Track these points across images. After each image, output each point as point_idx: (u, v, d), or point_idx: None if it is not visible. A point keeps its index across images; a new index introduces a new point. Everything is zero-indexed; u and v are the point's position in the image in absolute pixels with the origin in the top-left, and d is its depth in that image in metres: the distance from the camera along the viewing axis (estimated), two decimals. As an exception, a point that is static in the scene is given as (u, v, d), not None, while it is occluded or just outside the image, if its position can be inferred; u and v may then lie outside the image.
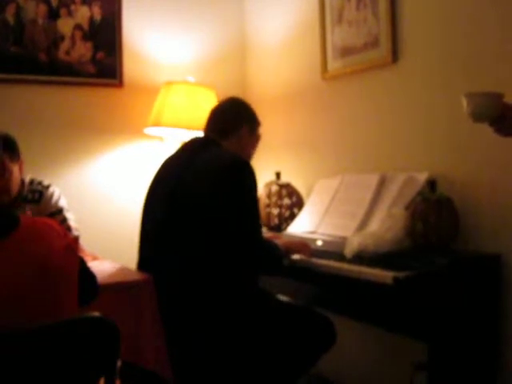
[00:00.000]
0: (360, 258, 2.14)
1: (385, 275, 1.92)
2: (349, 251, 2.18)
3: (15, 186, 2.43)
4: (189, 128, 3.21)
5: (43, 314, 1.42)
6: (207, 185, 2.11)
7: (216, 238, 2.06)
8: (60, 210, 2.58)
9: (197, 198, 2.10)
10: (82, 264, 1.64)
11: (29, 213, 2.37)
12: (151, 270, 2.10)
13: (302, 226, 2.70)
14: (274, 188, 2.95)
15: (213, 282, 2.06)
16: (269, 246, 2.24)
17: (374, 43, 2.71)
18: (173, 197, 2.15)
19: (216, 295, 2.06)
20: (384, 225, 2.20)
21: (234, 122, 2.34)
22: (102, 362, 1.48)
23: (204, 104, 3.25)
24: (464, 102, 1.70)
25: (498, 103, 1.68)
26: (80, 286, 1.56)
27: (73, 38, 3.35)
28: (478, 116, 1.70)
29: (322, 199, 2.71)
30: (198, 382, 2.12)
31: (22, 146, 2.46)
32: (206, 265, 2.05)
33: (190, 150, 2.29)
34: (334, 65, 2.99)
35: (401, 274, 1.88)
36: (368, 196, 2.45)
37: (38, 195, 2.57)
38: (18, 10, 3.22)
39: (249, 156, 2.40)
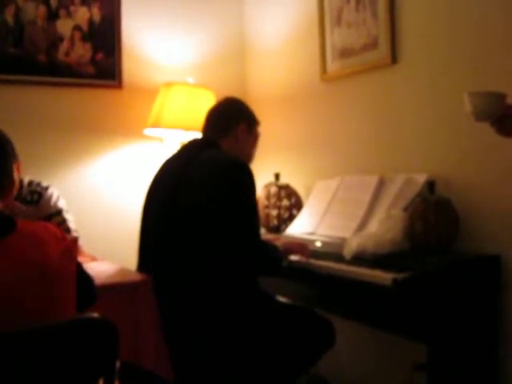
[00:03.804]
0: (359, 259, 2.14)
1: (384, 277, 1.93)
2: (348, 252, 2.18)
3: (16, 188, 2.43)
4: (188, 129, 3.21)
5: (40, 317, 1.41)
6: (206, 187, 2.11)
7: (215, 239, 2.06)
8: (59, 212, 2.58)
9: (195, 200, 2.10)
10: (80, 269, 1.63)
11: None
12: (151, 271, 2.10)
13: (301, 227, 2.71)
14: (273, 189, 2.95)
15: (212, 283, 2.06)
16: (267, 247, 2.23)
17: (373, 44, 2.71)
18: (172, 199, 2.15)
19: (215, 296, 2.06)
20: (383, 226, 2.20)
21: (230, 121, 2.34)
22: (101, 362, 1.48)
23: (204, 105, 3.24)
24: (466, 101, 1.70)
25: (500, 103, 1.68)
26: (77, 290, 1.56)
27: (72, 38, 3.35)
28: (479, 115, 1.70)
29: (321, 200, 2.71)
30: (198, 383, 2.12)
31: (21, 148, 2.44)
32: (206, 266, 2.05)
33: (188, 152, 2.29)
34: (333, 66, 2.99)
35: (400, 276, 1.88)
36: (367, 197, 2.45)
37: (36, 196, 2.56)
38: (18, 11, 3.22)
39: (249, 155, 2.40)
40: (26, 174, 2.58)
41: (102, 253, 2.61)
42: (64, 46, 3.34)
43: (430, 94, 2.44)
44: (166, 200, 2.17)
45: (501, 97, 1.69)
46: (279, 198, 2.93)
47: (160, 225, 2.18)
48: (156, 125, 3.25)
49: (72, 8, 3.35)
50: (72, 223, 2.60)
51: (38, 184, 2.60)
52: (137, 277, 2.09)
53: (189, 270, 2.07)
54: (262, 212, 2.88)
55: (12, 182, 1.73)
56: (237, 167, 2.16)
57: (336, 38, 2.95)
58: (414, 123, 2.52)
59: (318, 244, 2.44)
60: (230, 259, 2.08)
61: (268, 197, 2.94)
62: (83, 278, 1.66)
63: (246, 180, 2.14)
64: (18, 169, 2.44)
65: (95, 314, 1.45)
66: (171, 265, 2.10)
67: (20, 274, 1.41)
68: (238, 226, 2.09)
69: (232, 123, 2.34)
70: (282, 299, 2.33)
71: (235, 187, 2.12)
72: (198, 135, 2.52)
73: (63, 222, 2.56)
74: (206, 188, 2.11)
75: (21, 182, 2.53)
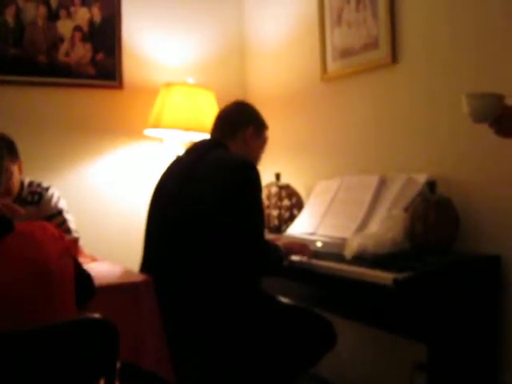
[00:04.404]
0: (360, 259, 2.14)
1: (385, 276, 1.92)
2: (349, 252, 2.18)
3: (15, 188, 2.44)
4: (188, 129, 3.21)
5: (38, 317, 1.41)
6: (212, 186, 2.11)
7: (219, 238, 2.06)
8: (60, 212, 2.58)
9: (201, 198, 2.10)
10: (77, 266, 1.63)
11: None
12: (155, 270, 2.10)
13: (301, 228, 2.71)
14: (274, 189, 2.95)
15: (215, 283, 2.06)
16: (270, 246, 2.24)
17: (373, 44, 2.71)
18: (178, 198, 2.15)
19: (218, 296, 2.06)
20: (384, 226, 2.20)
21: (239, 123, 2.36)
22: (101, 362, 1.48)
23: (204, 105, 3.25)
24: (464, 103, 1.71)
25: (498, 104, 1.68)
26: (76, 287, 1.56)
27: (72, 39, 3.35)
28: (477, 117, 1.70)
29: (321, 200, 2.71)
30: (199, 383, 2.12)
31: (22, 148, 2.46)
32: (209, 265, 2.05)
33: (196, 152, 2.30)
34: (333, 66, 2.99)
35: (400, 276, 1.88)
36: (368, 197, 2.45)
37: (37, 197, 2.57)
38: (18, 12, 3.23)
39: (256, 159, 2.41)
40: (27, 174, 2.59)
41: (102, 253, 2.61)
42: (64, 47, 3.34)
43: (431, 93, 2.44)
44: (172, 200, 2.17)
45: (498, 98, 1.69)
46: (280, 198, 2.93)
47: (165, 225, 2.18)
48: (156, 125, 3.25)
49: (72, 8, 3.35)
50: (73, 223, 2.61)
51: (39, 185, 2.61)
52: (138, 277, 2.09)
53: (191, 270, 2.07)
54: (262, 212, 2.88)
55: (3, 180, 1.71)
56: (244, 166, 2.17)
57: (336, 37, 2.95)
58: (415, 123, 2.52)
59: (319, 244, 2.44)
60: (233, 259, 2.08)
61: (269, 197, 2.95)
62: (81, 275, 1.66)
63: (254, 179, 2.15)
64: (19, 168, 2.44)
65: (95, 314, 1.45)
66: (173, 265, 2.10)
67: (19, 274, 1.41)
68: (243, 225, 2.09)
69: (240, 126, 2.35)
70: (283, 300, 2.33)
71: (242, 186, 2.12)
72: (198, 135, 2.53)
73: (64, 222, 2.57)
74: (212, 187, 2.11)
75: (21, 182, 2.53)
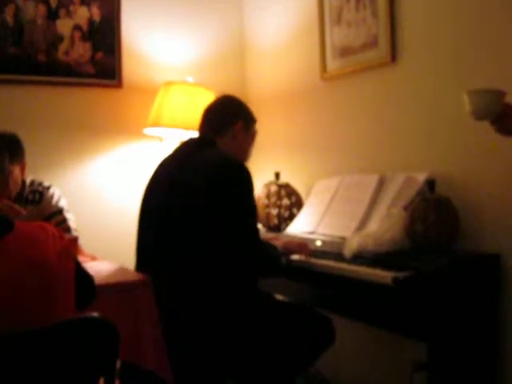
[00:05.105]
0: (359, 258, 2.14)
1: (384, 275, 1.93)
2: (348, 251, 2.18)
3: (13, 188, 2.43)
4: (188, 128, 3.21)
5: (38, 316, 1.41)
6: (203, 188, 2.08)
7: (214, 238, 2.05)
8: (60, 211, 2.59)
9: (193, 200, 2.08)
10: (78, 267, 1.63)
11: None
12: (149, 270, 2.09)
13: (301, 227, 2.71)
14: (273, 188, 2.95)
15: (211, 282, 2.05)
16: (266, 247, 2.23)
17: (373, 43, 2.71)
18: (169, 199, 2.14)
19: (214, 295, 2.05)
20: (383, 225, 2.20)
21: (227, 119, 2.31)
22: (101, 362, 1.48)
23: (203, 104, 3.21)
24: (465, 100, 1.70)
25: (499, 101, 1.68)
26: (76, 289, 1.56)
27: (72, 38, 3.35)
28: (479, 114, 1.70)
29: (321, 199, 2.71)
30: (197, 382, 2.12)
31: (21, 147, 2.46)
32: (204, 263, 2.05)
33: (184, 152, 2.27)
34: (333, 65, 2.99)
35: (400, 275, 1.88)
36: (367, 196, 2.45)
37: (38, 196, 2.57)
38: (17, 11, 3.22)
39: (246, 153, 2.38)
40: (27, 173, 2.58)
41: (101, 252, 2.61)
42: (64, 46, 3.33)
43: (430, 92, 2.44)
44: (164, 201, 2.16)
45: (500, 94, 1.69)
46: (279, 197, 2.93)
47: (156, 224, 2.17)
48: (156, 124, 3.25)
49: (72, 7, 3.35)
50: (72, 222, 2.61)
51: (40, 184, 2.61)
52: (136, 276, 2.09)
53: (188, 269, 2.06)
54: (262, 211, 2.88)
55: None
56: (233, 167, 2.14)
57: (336, 36, 2.95)
58: (414, 122, 2.52)
59: (319, 243, 2.44)
60: (228, 258, 2.07)
61: (268, 196, 2.94)
62: (82, 275, 1.66)
63: (244, 180, 2.12)
64: (21, 170, 2.44)
65: (95, 314, 1.45)
66: (167, 263, 2.10)
67: (18, 273, 1.41)
68: (236, 226, 2.08)
69: (229, 122, 2.31)
70: (281, 298, 2.33)
71: (233, 187, 2.10)
72: (196, 134, 2.51)
73: (64, 221, 2.57)
74: (204, 189, 2.08)
75: (23, 181, 2.54)
